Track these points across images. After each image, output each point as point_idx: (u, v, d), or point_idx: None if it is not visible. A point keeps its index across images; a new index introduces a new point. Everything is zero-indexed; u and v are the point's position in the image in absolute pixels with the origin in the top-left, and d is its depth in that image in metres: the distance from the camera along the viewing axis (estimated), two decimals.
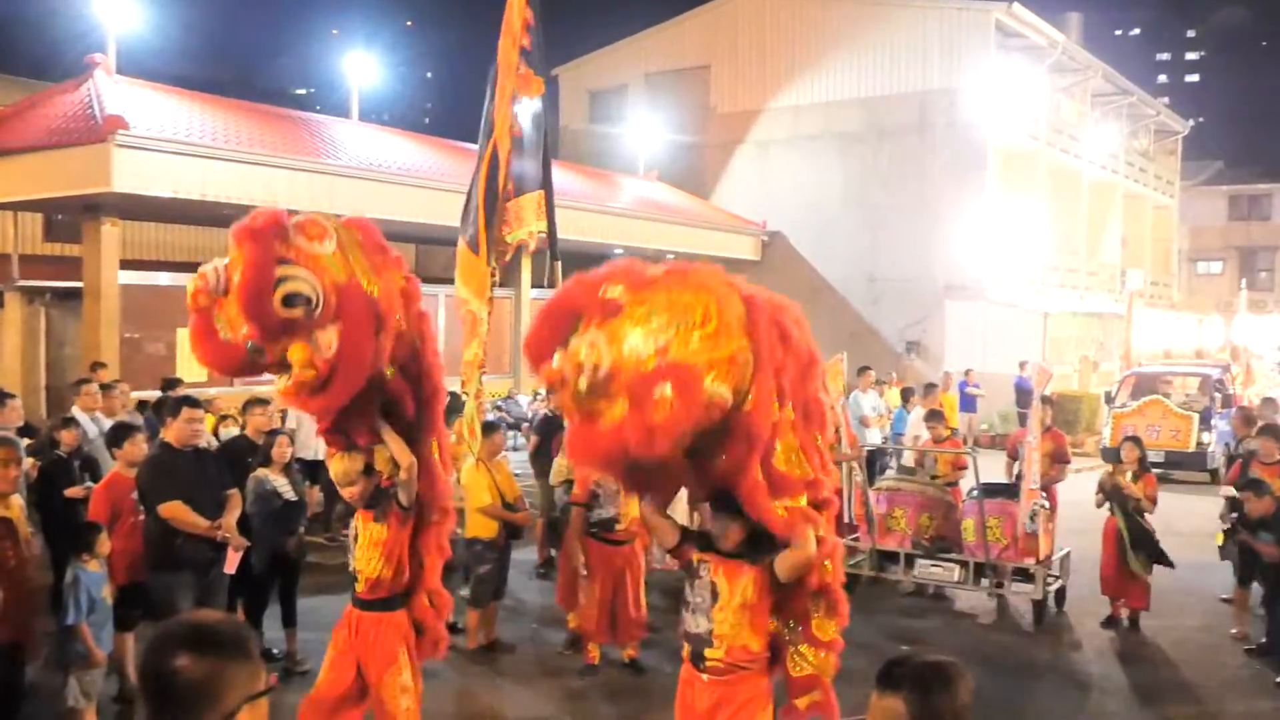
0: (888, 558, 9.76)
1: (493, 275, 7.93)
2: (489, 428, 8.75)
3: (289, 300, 4.32)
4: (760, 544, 4.34)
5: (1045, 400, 10.56)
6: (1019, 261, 24.06)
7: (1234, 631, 8.64)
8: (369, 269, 4.70)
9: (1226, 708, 7.31)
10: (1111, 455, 9.99)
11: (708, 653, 4.34)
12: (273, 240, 4.40)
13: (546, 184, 8.21)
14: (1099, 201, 29.55)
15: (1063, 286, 26.47)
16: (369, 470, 5.18)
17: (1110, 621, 9.12)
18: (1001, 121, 23.86)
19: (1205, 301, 36.67)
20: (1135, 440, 9.58)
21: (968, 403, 19.20)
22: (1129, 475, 9.09)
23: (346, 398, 4.53)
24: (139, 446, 6.91)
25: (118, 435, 7.16)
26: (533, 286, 21.45)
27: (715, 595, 4.34)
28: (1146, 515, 9.03)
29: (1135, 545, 8.85)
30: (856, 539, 9.96)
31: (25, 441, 7.84)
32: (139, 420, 9.86)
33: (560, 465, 8.63)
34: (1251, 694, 7.56)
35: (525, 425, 15.37)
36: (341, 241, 4.65)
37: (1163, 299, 34.38)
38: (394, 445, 5.00)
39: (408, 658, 5.22)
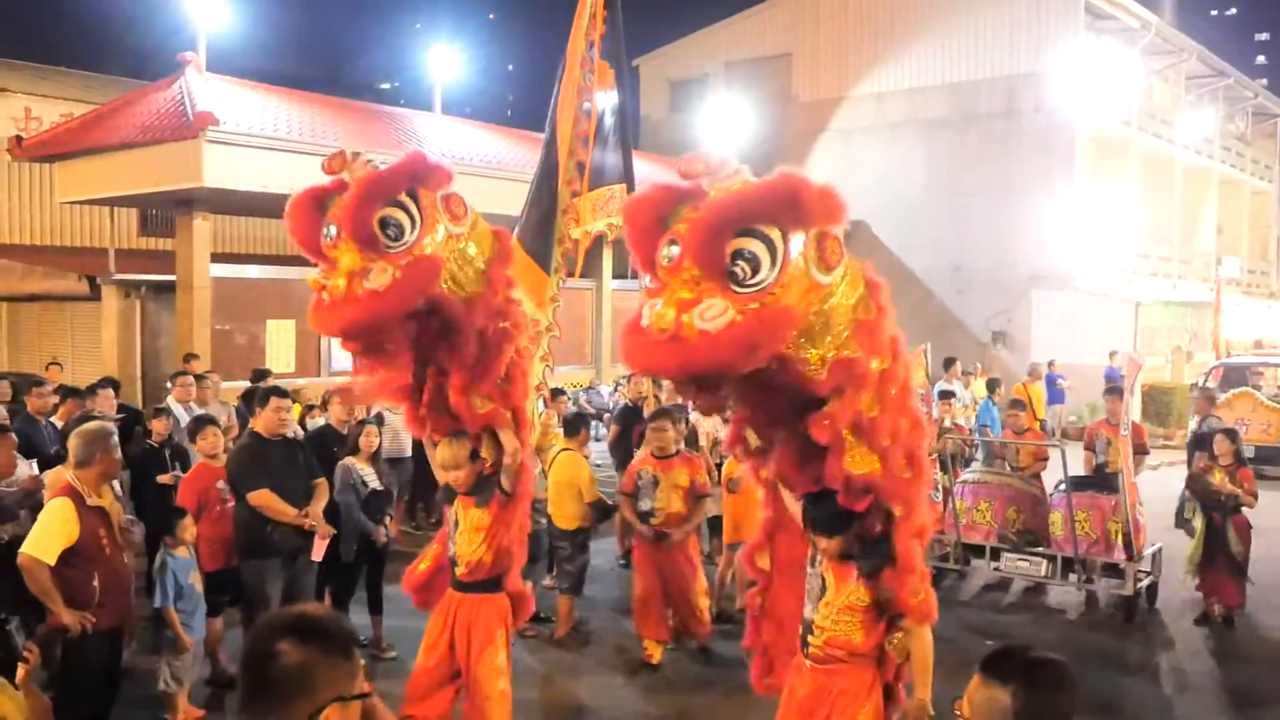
0: (973, 551, 9.60)
1: (562, 272, 7.98)
2: (580, 420, 8.86)
3: (384, 221, 4.37)
4: (872, 552, 4.16)
5: (1116, 391, 10.28)
6: (1109, 250, 23.43)
7: None
8: (478, 275, 4.79)
9: None
10: (1195, 448, 9.65)
11: (810, 639, 4.27)
12: (415, 178, 4.54)
13: (628, 175, 8.22)
14: (1193, 187, 28.66)
15: (1155, 275, 25.72)
16: (474, 456, 5.25)
17: (1204, 619, 8.84)
18: (1091, 106, 23.24)
19: None
20: (1230, 433, 9.24)
21: (1055, 395, 18.79)
22: (1220, 474, 8.78)
23: (341, 330, 4.49)
24: (214, 438, 7.12)
25: (195, 428, 7.38)
26: (614, 278, 21.51)
27: (824, 589, 4.25)
28: (1244, 511, 8.71)
29: (1212, 548, 8.62)
30: (941, 532, 9.81)
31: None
32: (228, 410, 10.14)
33: (589, 483, 8.62)
34: None
35: (606, 415, 15.40)
36: (475, 235, 4.77)
37: (1260, 287, 33.20)
38: (505, 433, 5.11)
39: (504, 640, 5.33)
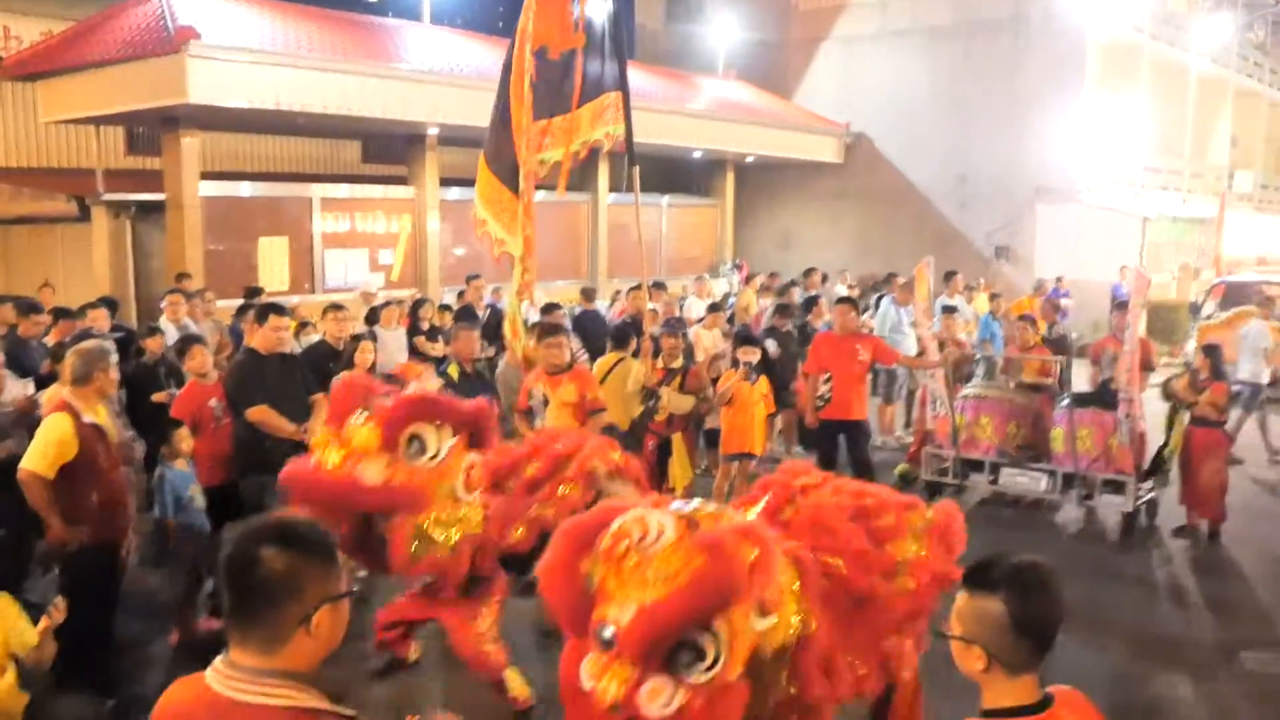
0: (972, 466, 9.58)
1: (527, 197, 7.80)
2: (630, 328, 8.99)
3: (411, 439, 4.65)
4: None
5: (1123, 306, 10.21)
6: (1117, 163, 23.04)
7: None
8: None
9: None
10: (1193, 372, 9.62)
11: None
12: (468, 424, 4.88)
13: (623, 85, 8.01)
14: (1207, 98, 28.05)
15: (1164, 189, 25.30)
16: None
17: (1182, 530, 8.90)
18: (1102, 12, 22.63)
19: None
20: (1210, 349, 9.19)
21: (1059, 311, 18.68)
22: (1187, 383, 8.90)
23: (303, 499, 4.65)
24: (201, 357, 7.09)
25: (181, 348, 7.32)
26: (611, 191, 21.25)
27: None
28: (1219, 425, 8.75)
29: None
30: (939, 447, 9.80)
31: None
32: (221, 328, 10.06)
33: (639, 371, 8.55)
34: None
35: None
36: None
37: (1273, 203, 32.75)
38: None
39: None
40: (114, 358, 5.48)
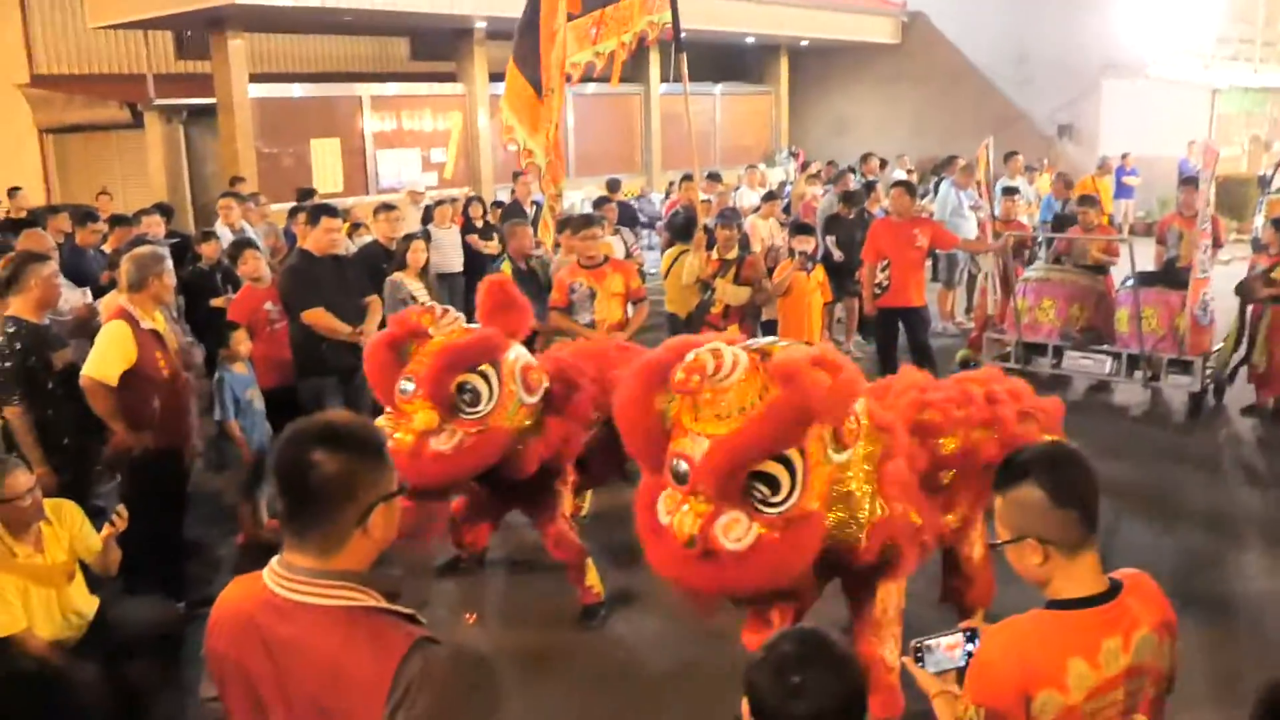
0: (1034, 350, 9.42)
1: (557, 97, 7.76)
2: (689, 222, 8.91)
3: (462, 386, 4.52)
4: None
5: (1191, 182, 9.85)
6: (1185, 34, 22.05)
7: None
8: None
9: None
10: (1260, 247, 9.27)
11: None
12: (499, 348, 4.66)
13: None
14: None
15: (1235, 59, 24.20)
16: None
17: (1251, 409, 8.71)
18: None
19: None
20: (1277, 222, 8.84)
21: (1125, 189, 18.13)
22: (1268, 264, 8.48)
23: (411, 482, 4.60)
24: (254, 261, 7.13)
25: (234, 253, 7.34)
26: (662, 81, 20.85)
27: None
28: None
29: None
30: (1002, 331, 9.64)
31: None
32: (275, 231, 10.10)
33: (693, 264, 8.46)
34: None
35: (659, 224, 15.17)
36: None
37: None
38: None
39: None
40: (169, 263, 5.47)
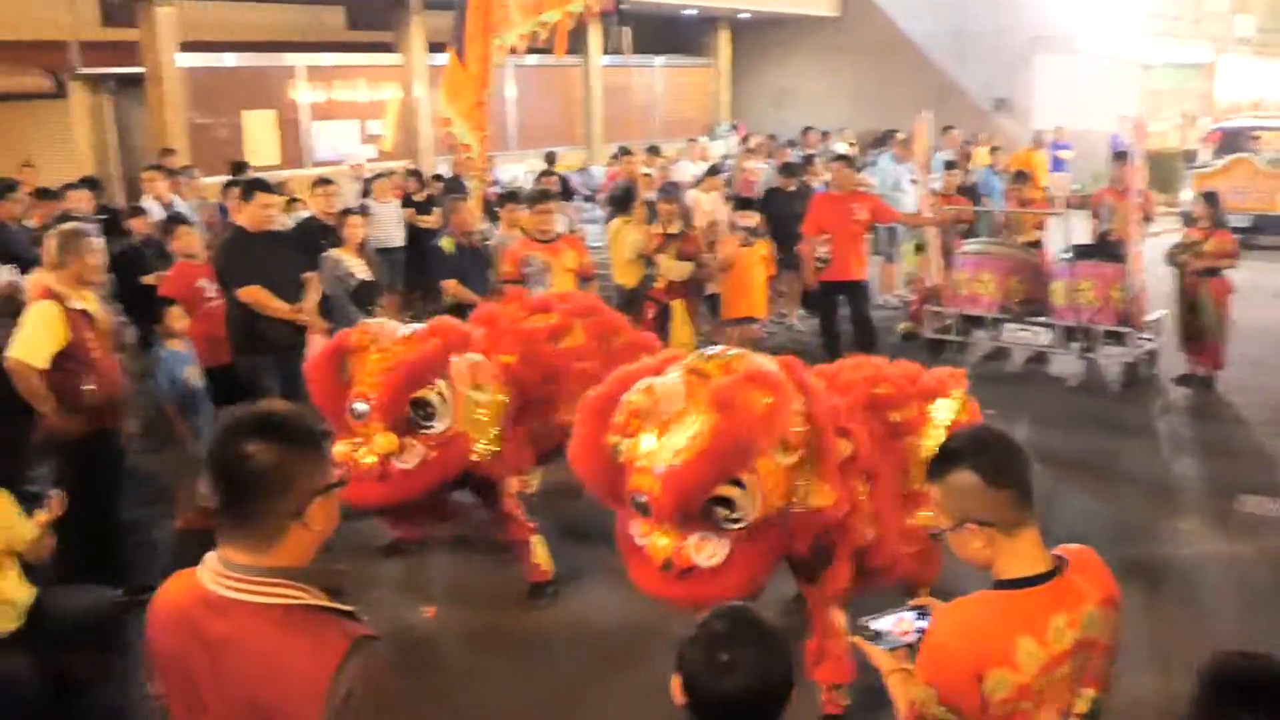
0: (974, 322, 9.54)
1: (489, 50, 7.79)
2: (627, 194, 8.86)
3: (416, 403, 4.47)
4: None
5: (1123, 156, 10.01)
6: (1116, 9, 22.39)
7: None
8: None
9: None
10: (1190, 221, 9.45)
11: None
12: (447, 358, 4.60)
13: None
14: None
15: (1164, 36, 24.66)
16: None
17: (1185, 379, 8.91)
18: None
19: None
20: (1208, 196, 9.02)
21: (1058, 163, 18.38)
22: (1200, 237, 8.66)
23: (384, 503, 4.59)
24: (187, 238, 7.03)
25: (166, 229, 7.18)
26: (603, 53, 20.70)
27: None
28: (1226, 275, 8.60)
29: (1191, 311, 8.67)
30: (941, 304, 9.74)
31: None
32: (208, 206, 9.88)
33: (635, 238, 8.44)
34: None
35: (599, 196, 15.10)
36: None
37: (1272, 47, 31.96)
38: None
39: None
40: (94, 242, 5.29)
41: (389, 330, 4.61)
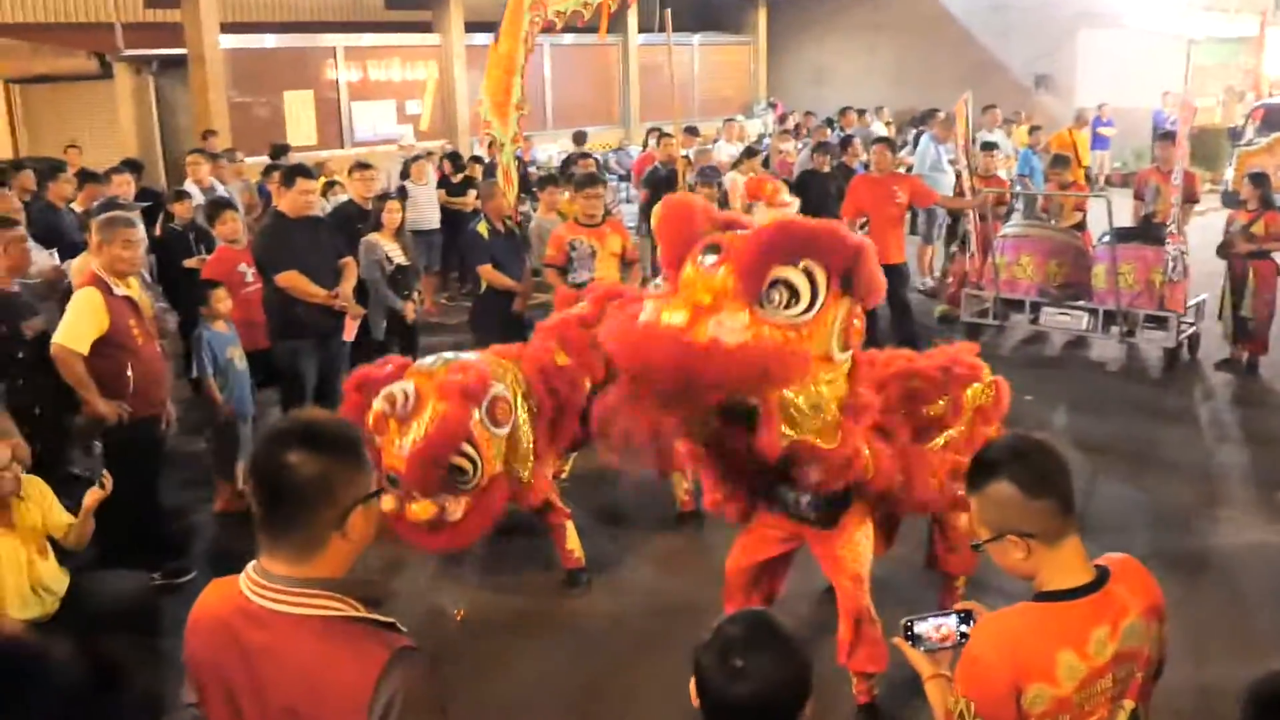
0: (1012, 306, 9.45)
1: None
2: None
3: (449, 468, 4.56)
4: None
5: (1168, 136, 9.83)
6: None
7: None
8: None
9: None
10: (1232, 201, 9.26)
11: None
12: (470, 409, 4.60)
13: None
14: None
15: (1210, 10, 24.13)
16: None
17: (1226, 363, 8.82)
18: None
19: None
20: (1258, 176, 8.82)
21: (1101, 141, 18.12)
22: (1247, 220, 8.49)
23: (443, 549, 5.09)
24: (232, 223, 7.08)
25: (211, 213, 7.24)
26: (640, 31, 20.61)
27: None
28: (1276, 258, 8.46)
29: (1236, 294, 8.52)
30: (980, 287, 9.66)
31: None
32: (250, 188, 9.96)
33: None
34: None
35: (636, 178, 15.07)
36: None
37: None
38: None
39: None
40: (135, 231, 5.33)
41: (403, 399, 4.53)
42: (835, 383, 3.51)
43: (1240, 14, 24.64)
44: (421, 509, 4.53)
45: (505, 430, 4.79)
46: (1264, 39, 20.47)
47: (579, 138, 15.37)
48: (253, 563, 1.98)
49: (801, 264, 3.31)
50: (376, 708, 1.81)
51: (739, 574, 4.21)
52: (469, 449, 4.61)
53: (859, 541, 4.00)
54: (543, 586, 5.38)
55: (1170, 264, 8.53)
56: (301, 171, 6.82)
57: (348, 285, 6.62)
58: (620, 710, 4.45)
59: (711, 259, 3.27)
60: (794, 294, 3.25)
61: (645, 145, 15.58)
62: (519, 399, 5.01)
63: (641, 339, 3.16)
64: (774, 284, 3.22)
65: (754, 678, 1.88)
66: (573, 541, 5.35)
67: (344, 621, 1.89)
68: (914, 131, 15.04)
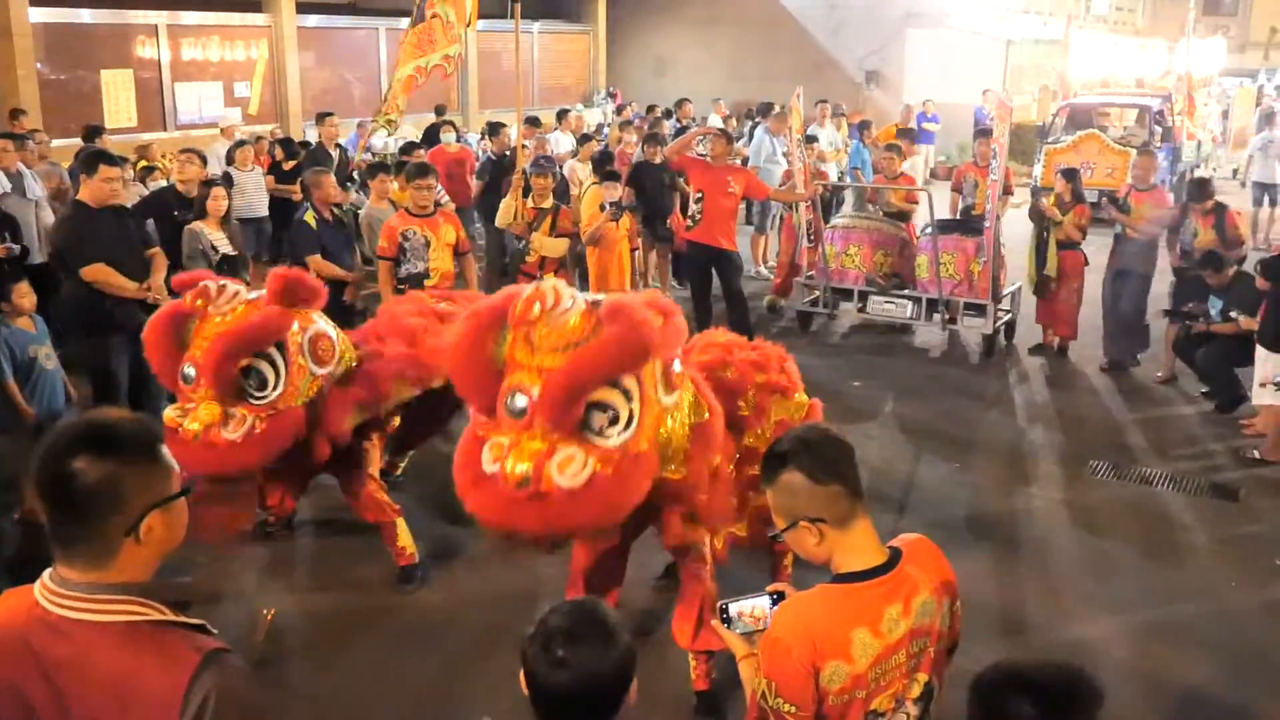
0: (842, 295, 9.74)
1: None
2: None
3: (247, 371, 4.30)
4: None
5: (985, 134, 10.30)
6: None
7: (1159, 375, 8.67)
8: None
9: (1167, 434, 7.57)
10: (1039, 195, 9.84)
11: None
12: (285, 325, 4.41)
13: None
14: None
15: (1027, 12, 25.41)
16: None
17: (1039, 348, 9.37)
18: None
19: (1172, 28, 35.38)
20: (1070, 172, 9.37)
21: (925, 136, 18.81)
22: (1054, 205, 9.05)
23: (211, 471, 4.25)
24: None
25: None
26: (480, 18, 20.31)
27: None
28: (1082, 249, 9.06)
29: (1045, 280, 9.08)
30: (811, 277, 9.91)
31: None
32: (59, 172, 9.41)
33: (507, 206, 8.36)
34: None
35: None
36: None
37: (1126, 25, 33.21)
38: None
39: None
40: None
41: (230, 293, 4.38)
42: (679, 410, 3.54)
43: (1053, 17, 26.01)
44: (206, 412, 4.19)
45: (322, 371, 4.59)
46: (1068, 42, 21.55)
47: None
48: (49, 570, 1.85)
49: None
50: (187, 714, 1.73)
51: (582, 563, 4.22)
52: (276, 355, 4.38)
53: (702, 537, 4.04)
54: (377, 584, 5.27)
55: (990, 254, 8.95)
56: (104, 157, 6.42)
57: (159, 277, 6.30)
58: (456, 703, 4.40)
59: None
60: (614, 413, 3.25)
61: (482, 135, 15.39)
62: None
63: (495, 502, 3.19)
64: (592, 408, 3.20)
65: (576, 667, 1.91)
66: (404, 539, 5.25)
67: (149, 626, 1.79)
68: (750, 124, 15.30)
